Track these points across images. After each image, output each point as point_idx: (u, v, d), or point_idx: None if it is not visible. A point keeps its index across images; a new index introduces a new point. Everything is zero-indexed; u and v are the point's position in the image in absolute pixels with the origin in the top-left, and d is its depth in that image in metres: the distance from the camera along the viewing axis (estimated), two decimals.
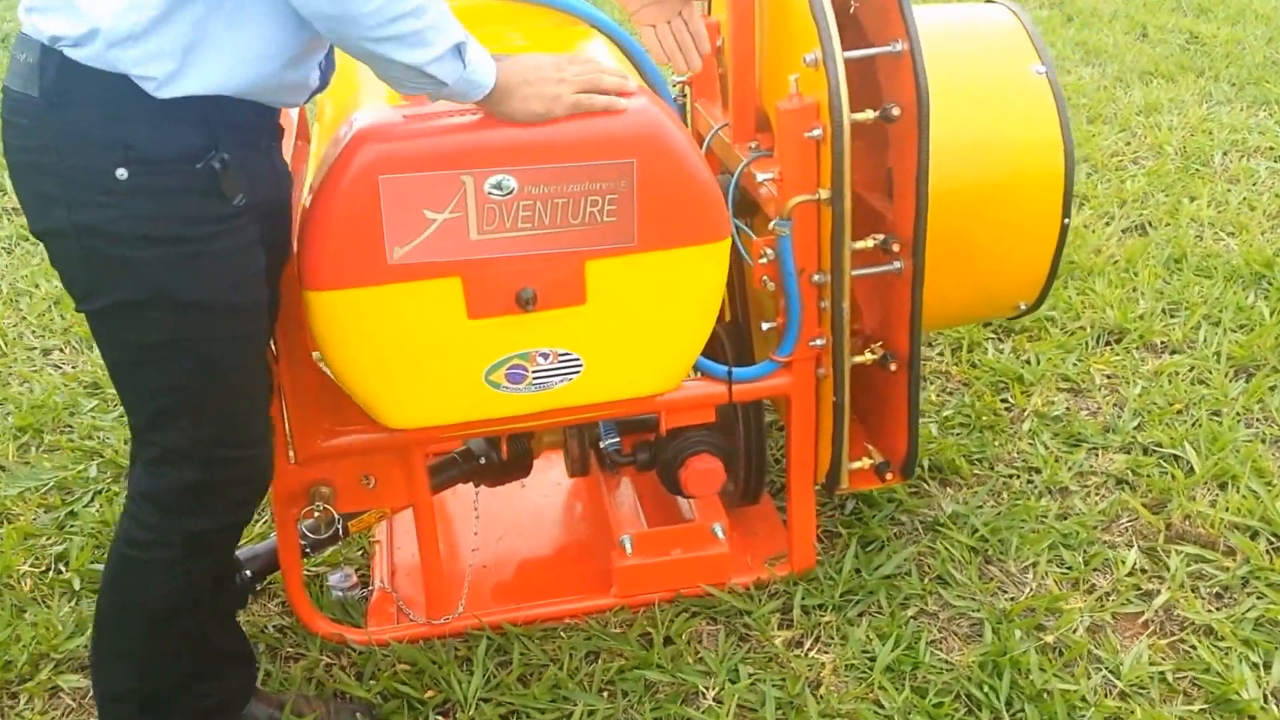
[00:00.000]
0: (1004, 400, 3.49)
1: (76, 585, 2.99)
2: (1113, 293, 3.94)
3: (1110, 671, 2.59)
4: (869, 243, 2.55)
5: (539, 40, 2.55)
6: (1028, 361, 3.64)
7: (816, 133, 2.46)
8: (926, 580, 2.86)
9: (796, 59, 2.47)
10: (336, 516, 2.66)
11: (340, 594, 2.93)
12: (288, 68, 2.03)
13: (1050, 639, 2.68)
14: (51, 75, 1.88)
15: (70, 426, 3.60)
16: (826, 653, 2.70)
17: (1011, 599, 2.81)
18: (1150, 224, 4.42)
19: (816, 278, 2.58)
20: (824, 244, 2.55)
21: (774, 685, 2.62)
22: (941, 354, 3.71)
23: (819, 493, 2.89)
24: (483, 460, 2.87)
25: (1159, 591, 2.80)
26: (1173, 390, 3.47)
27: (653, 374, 2.51)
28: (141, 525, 2.18)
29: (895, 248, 2.52)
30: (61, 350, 4.00)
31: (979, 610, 2.77)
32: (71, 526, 3.21)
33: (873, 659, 2.66)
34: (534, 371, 2.42)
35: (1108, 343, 3.74)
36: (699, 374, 2.69)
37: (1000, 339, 3.77)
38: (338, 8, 1.89)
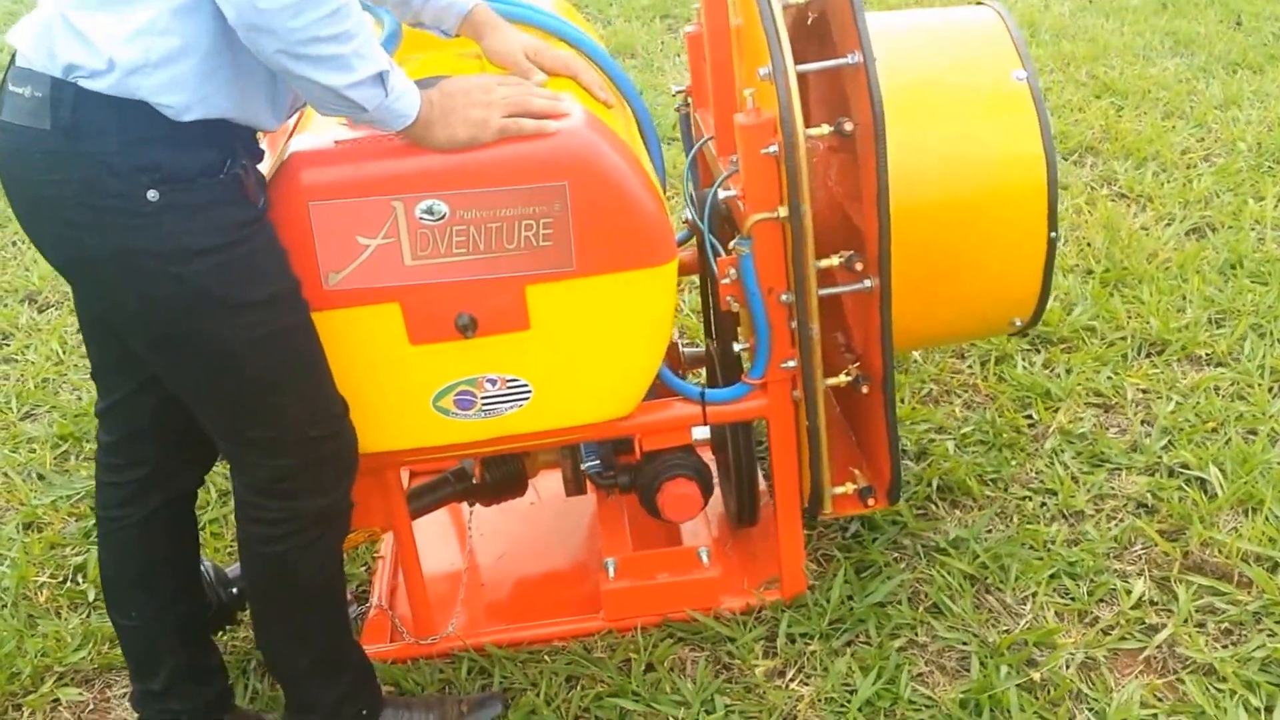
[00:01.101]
0: (1028, 417, 3.26)
1: (91, 596, 2.96)
2: (1159, 300, 3.66)
3: (1095, 713, 2.38)
4: (835, 260, 2.37)
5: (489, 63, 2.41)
6: (1058, 375, 3.39)
7: (773, 148, 2.28)
8: (919, 609, 2.67)
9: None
10: None
11: None
12: (283, 91, 2.01)
13: (1038, 675, 2.47)
14: (68, 107, 1.85)
15: None
16: (807, 684, 2.53)
17: (1005, 631, 2.60)
18: (1212, 226, 4.11)
19: (785, 297, 2.41)
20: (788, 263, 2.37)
21: (747, 718, 2.46)
22: (971, 366, 3.48)
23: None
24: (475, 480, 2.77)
25: (1164, 626, 2.56)
26: (1207, 406, 3.20)
27: (604, 399, 2.37)
28: (267, 521, 2.18)
29: (859, 266, 2.34)
30: None
31: (969, 643, 2.57)
32: (96, 537, 3.18)
33: (852, 692, 2.49)
34: (483, 398, 2.30)
35: (1148, 354, 3.47)
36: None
37: (1035, 350, 3.53)
38: (261, 17, 1.81)
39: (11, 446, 3.60)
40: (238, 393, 2.07)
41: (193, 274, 1.92)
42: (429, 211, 2.13)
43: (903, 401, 3.35)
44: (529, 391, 2.31)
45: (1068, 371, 3.41)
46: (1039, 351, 3.52)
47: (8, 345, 4.19)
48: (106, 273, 1.95)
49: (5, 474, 3.48)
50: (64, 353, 4.06)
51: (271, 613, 2.32)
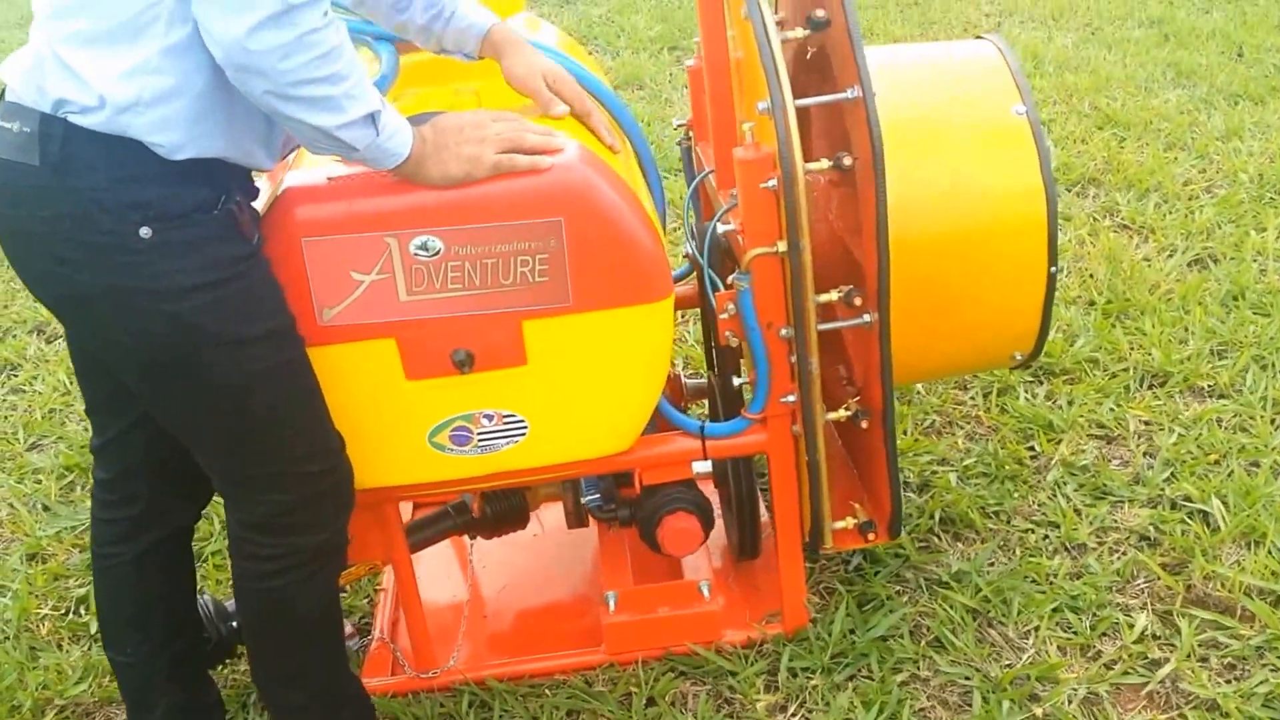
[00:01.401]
0: (1030, 448, 3.20)
1: (93, 629, 2.92)
2: (1161, 332, 3.61)
3: None
4: (834, 295, 2.32)
5: (492, 95, 2.38)
6: (1061, 406, 3.34)
7: (772, 183, 2.24)
8: (921, 644, 2.61)
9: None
10: None
11: None
12: (277, 132, 1.99)
13: (1041, 711, 2.41)
14: (57, 143, 1.81)
15: None
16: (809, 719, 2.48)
17: (1007, 665, 2.54)
18: (1214, 257, 4.05)
19: (784, 332, 2.37)
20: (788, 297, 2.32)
21: None
22: (974, 398, 3.43)
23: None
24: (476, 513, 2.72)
25: (1167, 660, 2.51)
26: (1210, 438, 3.14)
27: (602, 435, 2.33)
28: (264, 557, 2.15)
29: (858, 301, 2.29)
30: None
31: (971, 678, 2.51)
32: None
33: None
34: (479, 433, 2.26)
35: (1150, 386, 3.42)
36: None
37: (1038, 381, 3.48)
38: (250, 58, 1.77)
39: (17, 477, 3.57)
40: (235, 429, 2.04)
41: (187, 310, 1.89)
42: (424, 247, 2.09)
43: (905, 433, 3.31)
44: (526, 427, 2.26)
45: (1070, 403, 3.35)
46: (1041, 383, 3.47)
47: (15, 376, 4.17)
48: (99, 310, 1.91)
49: (11, 505, 3.45)
50: (71, 384, 4.03)
51: (267, 649, 2.28)
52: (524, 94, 2.28)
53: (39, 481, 3.54)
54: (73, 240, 1.84)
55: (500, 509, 2.73)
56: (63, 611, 3.02)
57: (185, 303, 1.88)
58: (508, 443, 2.27)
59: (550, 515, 3.03)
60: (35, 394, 4.02)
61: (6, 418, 3.91)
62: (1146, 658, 2.53)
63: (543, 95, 2.26)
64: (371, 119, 1.90)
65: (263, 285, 2.00)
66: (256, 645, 2.29)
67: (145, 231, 1.83)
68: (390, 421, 2.23)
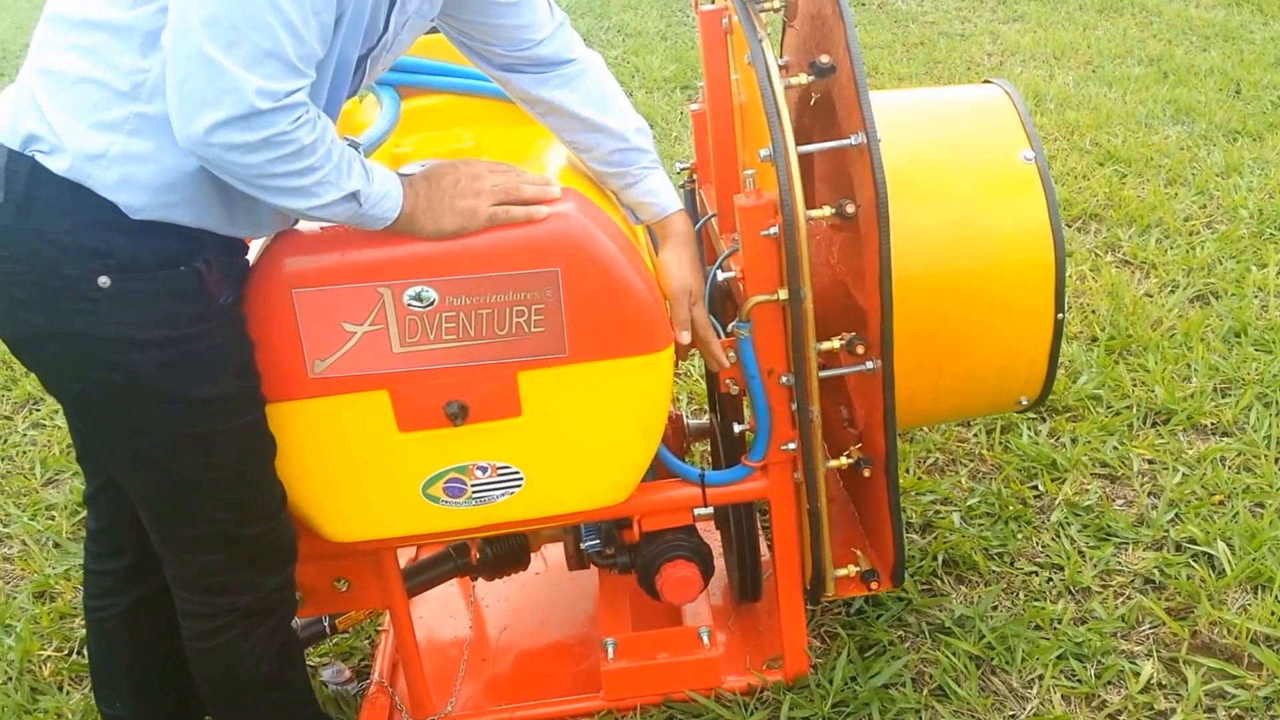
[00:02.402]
0: (1034, 488, 3.06)
1: None
2: (1164, 369, 3.46)
3: None
4: (835, 343, 2.19)
5: (490, 143, 2.26)
6: (1064, 445, 3.19)
7: (773, 230, 2.11)
8: (924, 692, 2.47)
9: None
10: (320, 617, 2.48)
11: (335, 688, 2.67)
12: (264, 210, 1.84)
13: None
14: (22, 181, 1.69)
15: None
16: None
17: (1011, 716, 2.40)
18: (1215, 293, 3.90)
19: (785, 379, 2.23)
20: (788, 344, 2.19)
21: None
22: (977, 435, 3.29)
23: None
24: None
25: (1173, 711, 2.36)
26: (1214, 478, 2.99)
27: (598, 487, 2.19)
28: (197, 615, 2.02)
29: (860, 349, 2.16)
30: None
31: None
32: None
33: None
34: (473, 485, 2.13)
35: (1154, 424, 3.27)
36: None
37: (1041, 419, 3.33)
38: (209, 152, 1.63)
39: (31, 514, 3.45)
40: (162, 489, 1.91)
41: (130, 364, 1.76)
42: (417, 298, 1.96)
43: (907, 471, 3.16)
44: (521, 479, 2.13)
45: (1073, 441, 3.21)
46: (1044, 420, 3.33)
47: (37, 410, 4.05)
48: (50, 354, 1.79)
49: (23, 542, 3.34)
50: None
51: (220, 707, 2.15)
52: (663, 292, 2.16)
53: (51, 518, 3.42)
54: (30, 282, 1.72)
55: (501, 551, 2.60)
56: (66, 652, 2.89)
57: (128, 356, 1.76)
58: (503, 494, 2.14)
59: (554, 552, 2.89)
60: (55, 429, 3.90)
61: (25, 453, 3.79)
62: (1152, 708, 2.38)
63: (678, 312, 2.15)
64: (352, 196, 1.77)
65: (221, 349, 1.85)
66: (210, 702, 2.16)
67: (104, 280, 1.70)
68: (382, 474, 2.10)
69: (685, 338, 2.16)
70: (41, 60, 1.72)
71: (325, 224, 1.96)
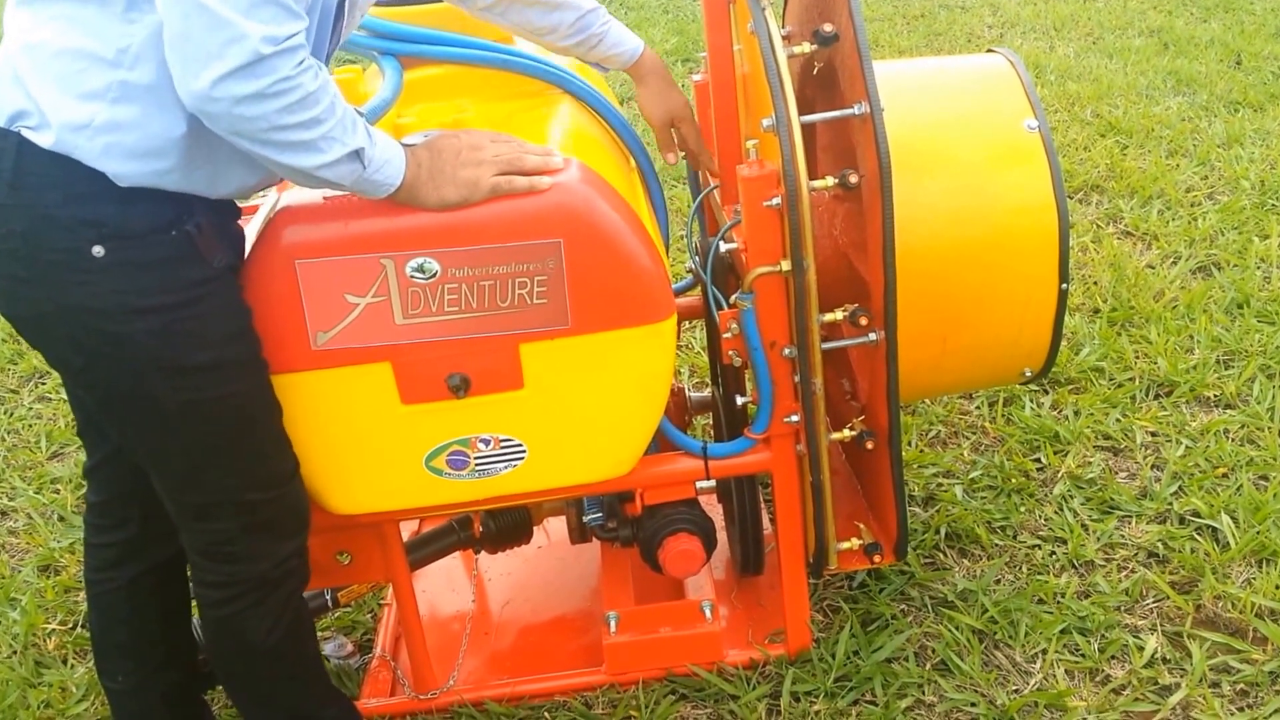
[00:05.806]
0: (1036, 460, 3.03)
1: None
2: (1167, 341, 3.42)
3: None
4: (839, 314, 2.15)
5: (492, 113, 2.21)
6: (1067, 417, 3.16)
7: (775, 201, 2.07)
8: (926, 667, 2.44)
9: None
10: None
11: (337, 662, 2.64)
12: (249, 172, 1.80)
13: None
14: (11, 158, 1.66)
15: None
16: None
17: (1015, 691, 2.37)
18: (1218, 264, 3.86)
19: (788, 351, 2.19)
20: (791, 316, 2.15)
21: None
22: (979, 408, 3.25)
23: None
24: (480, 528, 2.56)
25: (1178, 686, 2.33)
26: (1218, 450, 2.96)
27: (601, 459, 2.16)
28: (211, 584, 2.00)
29: (863, 320, 2.12)
30: None
31: (977, 704, 2.34)
32: None
33: None
34: (476, 458, 2.10)
35: (1156, 396, 3.23)
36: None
37: (1043, 391, 3.29)
38: (215, 105, 1.59)
39: (36, 487, 3.42)
40: (170, 458, 1.88)
41: (133, 333, 1.73)
42: (420, 269, 1.93)
43: (910, 444, 3.13)
44: (523, 451, 2.10)
45: (1076, 413, 3.17)
46: (1047, 393, 3.29)
47: (43, 384, 4.01)
48: (53, 329, 1.76)
49: (29, 515, 3.30)
50: None
51: (233, 674, 2.13)
52: (649, 125, 2.32)
53: (56, 492, 3.39)
54: (26, 258, 1.69)
55: (503, 524, 2.57)
56: (70, 626, 2.86)
57: (132, 325, 1.73)
58: (505, 467, 2.11)
59: (557, 525, 2.86)
60: (61, 402, 3.86)
61: (31, 426, 3.75)
62: (1157, 683, 2.35)
63: (661, 137, 2.35)
64: (356, 155, 1.73)
65: (218, 313, 1.82)
66: (221, 670, 2.15)
67: (98, 250, 1.67)
68: (385, 446, 2.07)
69: (672, 159, 2.33)
70: (23, 37, 1.68)
71: (328, 192, 1.92)
